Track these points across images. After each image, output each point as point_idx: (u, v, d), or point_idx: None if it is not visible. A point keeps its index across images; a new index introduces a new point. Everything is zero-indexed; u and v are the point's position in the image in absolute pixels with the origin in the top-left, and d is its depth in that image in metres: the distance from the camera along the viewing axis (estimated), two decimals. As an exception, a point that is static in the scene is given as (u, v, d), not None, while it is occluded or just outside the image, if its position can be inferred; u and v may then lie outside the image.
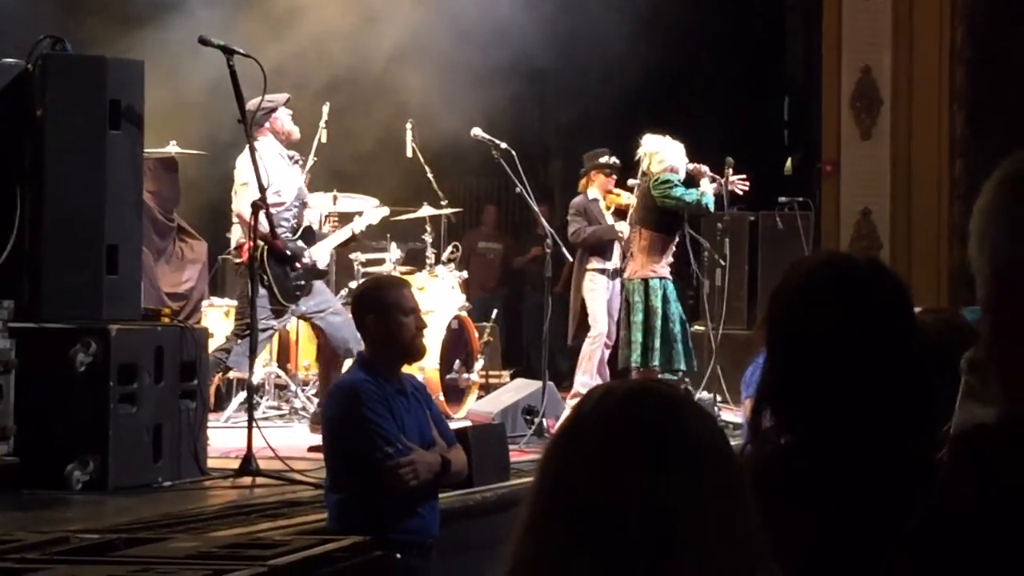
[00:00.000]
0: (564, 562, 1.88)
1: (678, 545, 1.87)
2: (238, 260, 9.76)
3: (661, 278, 11.10)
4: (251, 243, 8.78)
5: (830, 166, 13.70)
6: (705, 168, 11.27)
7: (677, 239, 11.24)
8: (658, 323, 11.00)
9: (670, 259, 11.25)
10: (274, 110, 9.71)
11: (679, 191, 11.02)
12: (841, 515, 2.62)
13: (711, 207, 11.17)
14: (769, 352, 2.75)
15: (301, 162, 10.10)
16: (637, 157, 11.30)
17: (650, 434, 1.93)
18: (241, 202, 9.42)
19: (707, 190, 11.12)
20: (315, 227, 10.27)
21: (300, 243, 9.81)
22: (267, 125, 9.69)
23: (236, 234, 9.95)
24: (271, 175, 9.35)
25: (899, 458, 2.64)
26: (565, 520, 1.90)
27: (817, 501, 2.63)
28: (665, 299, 11.06)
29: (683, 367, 11.01)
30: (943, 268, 13.11)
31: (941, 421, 2.71)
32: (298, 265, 9.70)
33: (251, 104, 8.77)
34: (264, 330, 9.55)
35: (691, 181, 11.21)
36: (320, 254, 9.98)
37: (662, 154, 11.17)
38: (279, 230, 9.55)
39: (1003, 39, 13.24)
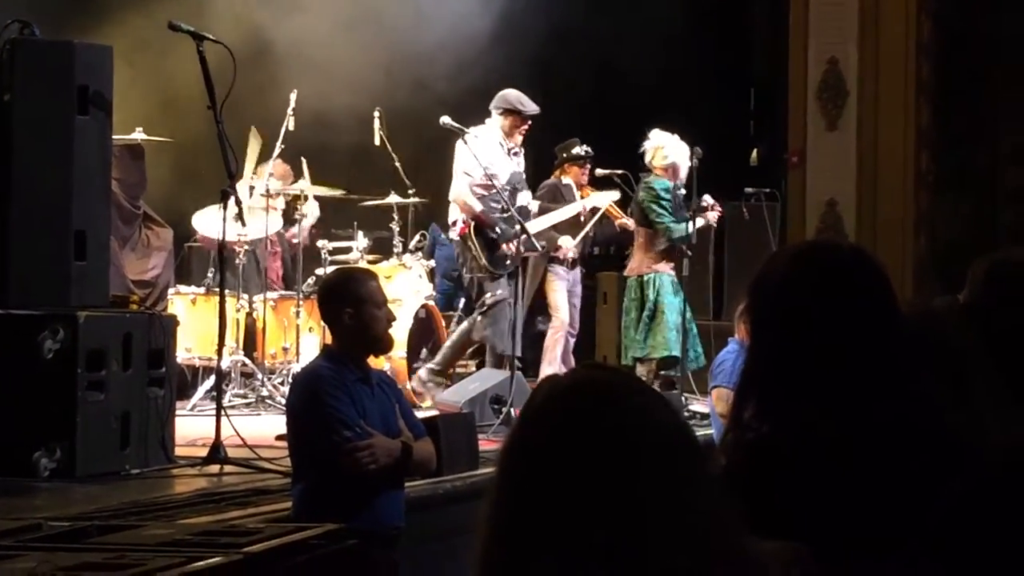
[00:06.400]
0: (528, 562, 1.87)
1: (628, 533, 1.86)
2: (455, 236, 10.89)
3: (657, 273, 11.19)
4: (465, 224, 10.58)
5: (796, 157, 13.73)
6: (708, 201, 11.35)
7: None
8: (646, 315, 11.11)
9: (674, 256, 11.30)
10: (516, 112, 10.78)
11: (666, 219, 11.09)
12: (822, 503, 2.62)
13: (692, 241, 11.27)
14: (753, 341, 2.75)
15: (520, 154, 11.00)
16: (642, 150, 11.39)
17: (589, 423, 1.91)
18: (455, 188, 10.72)
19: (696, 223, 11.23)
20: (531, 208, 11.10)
21: (510, 227, 10.56)
22: (502, 115, 10.79)
23: (453, 214, 10.87)
24: (487, 160, 10.57)
25: (879, 446, 2.66)
26: (524, 521, 1.89)
27: (797, 489, 2.64)
28: (659, 291, 11.14)
29: (676, 353, 11.05)
30: (908, 259, 13.16)
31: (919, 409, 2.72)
32: (503, 248, 10.61)
33: (507, 96, 10.64)
34: (504, 299, 10.64)
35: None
36: (533, 229, 10.75)
37: (666, 150, 11.29)
38: (489, 208, 10.65)
39: (969, 32, 13.30)
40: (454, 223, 10.86)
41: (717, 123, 15.25)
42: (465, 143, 10.50)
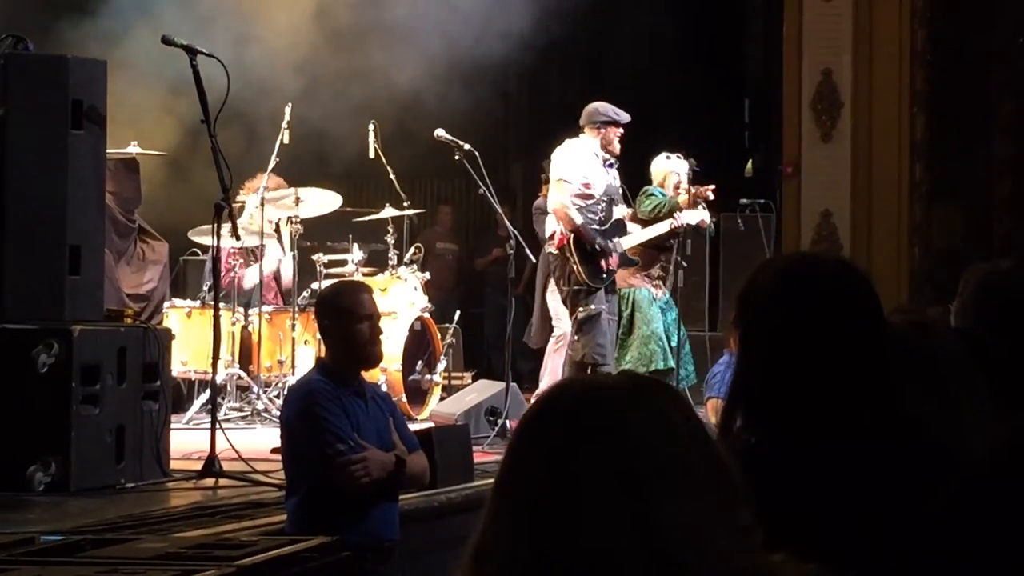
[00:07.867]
0: (525, 551, 1.87)
1: (641, 525, 1.85)
2: (552, 249, 10.68)
3: (633, 288, 11.14)
4: (563, 236, 10.39)
5: (791, 168, 13.76)
6: (709, 194, 11.38)
7: (663, 257, 11.28)
8: (621, 332, 11.06)
9: (657, 273, 11.28)
10: (615, 124, 10.67)
11: (655, 198, 11.12)
12: (808, 514, 2.63)
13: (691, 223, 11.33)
14: (741, 352, 2.76)
15: (616, 166, 10.92)
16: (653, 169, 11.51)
17: (607, 417, 1.90)
18: (555, 197, 10.59)
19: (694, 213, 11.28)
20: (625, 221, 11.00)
21: (608, 241, 10.59)
22: (600, 128, 10.67)
23: (551, 225, 10.72)
24: (585, 170, 10.60)
25: (866, 456, 2.66)
26: (527, 511, 1.88)
27: (784, 500, 2.64)
28: (633, 306, 11.09)
29: (660, 366, 10.97)
30: (903, 269, 13.20)
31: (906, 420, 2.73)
32: (601, 263, 10.54)
33: (602, 109, 10.57)
34: (598, 313, 10.51)
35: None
36: (628, 243, 10.85)
37: (659, 167, 11.39)
38: (587, 220, 10.54)
39: (962, 42, 13.34)
40: (551, 235, 10.68)
41: (712, 134, 15.29)
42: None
